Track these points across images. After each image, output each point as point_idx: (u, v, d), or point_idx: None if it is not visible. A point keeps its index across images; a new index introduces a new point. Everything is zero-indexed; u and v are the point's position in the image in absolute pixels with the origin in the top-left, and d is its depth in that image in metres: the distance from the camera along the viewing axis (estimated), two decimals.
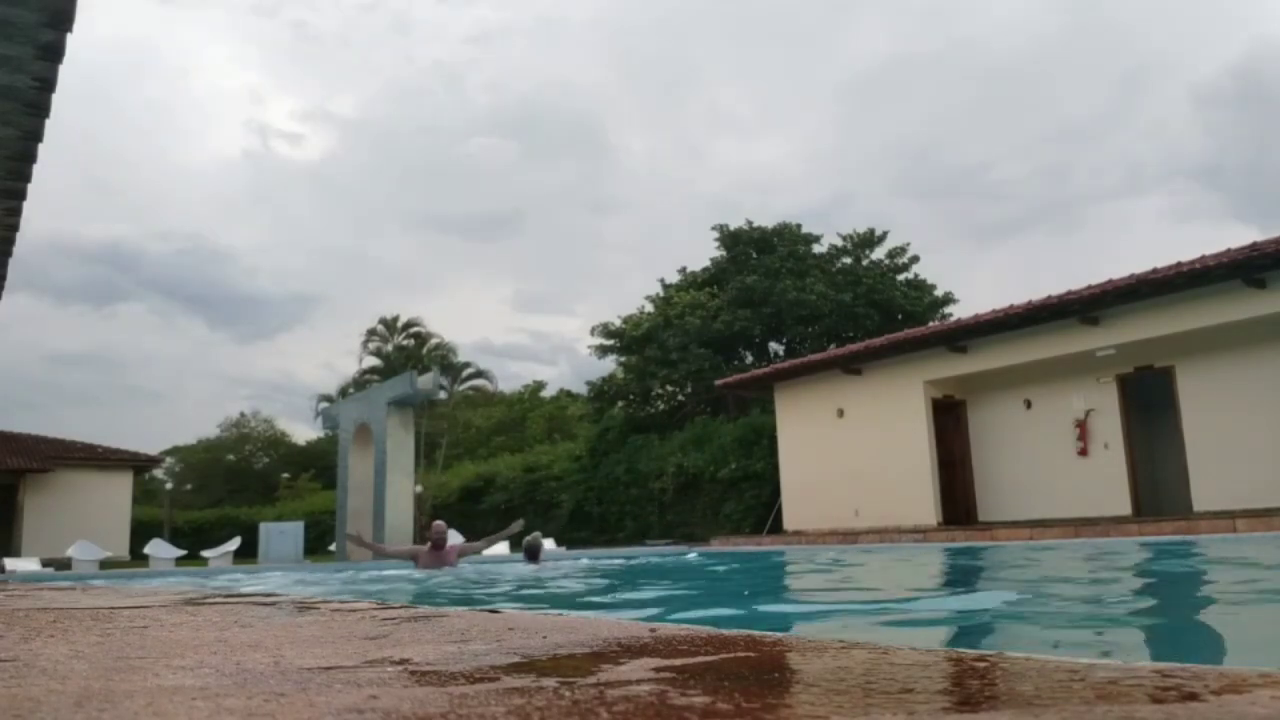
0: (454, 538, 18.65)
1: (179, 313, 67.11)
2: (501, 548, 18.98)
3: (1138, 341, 13.55)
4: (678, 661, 1.52)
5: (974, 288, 54.37)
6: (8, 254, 8.39)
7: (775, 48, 56.21)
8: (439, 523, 10.87)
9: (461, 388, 33.13)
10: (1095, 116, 52.31)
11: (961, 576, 7.62)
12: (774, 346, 28.37)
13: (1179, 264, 12.56)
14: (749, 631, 1.95)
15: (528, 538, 11.53)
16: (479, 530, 20.43)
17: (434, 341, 32.49)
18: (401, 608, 3.08)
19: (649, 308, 28.84)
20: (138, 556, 23.85)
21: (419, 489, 25.16)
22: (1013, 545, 11.23)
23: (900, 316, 26.44)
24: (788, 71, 57.79)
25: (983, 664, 1.42)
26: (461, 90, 60.22)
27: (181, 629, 2.50)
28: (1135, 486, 14.29)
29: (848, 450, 17.38)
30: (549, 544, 20.04)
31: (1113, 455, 14.54)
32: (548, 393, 47.31)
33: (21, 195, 6.99)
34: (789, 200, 58.17)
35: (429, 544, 10.63)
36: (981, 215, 57.86)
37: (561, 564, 11.52)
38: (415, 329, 32.89)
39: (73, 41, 4.88)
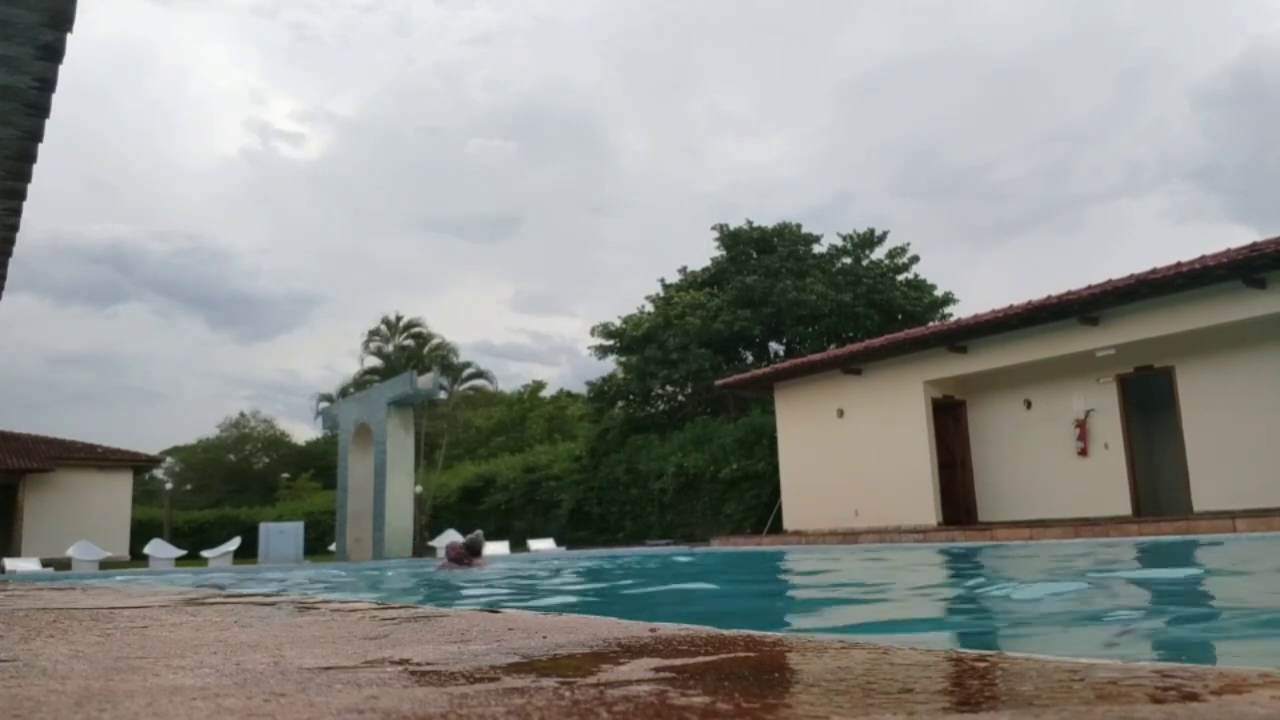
0: (454, 537, 18.71)
1: (179, 313, 67.09)
2: (502, 547, 19.01)
3: (1138, 341, 13.54)
4: (678, 661, 1.52)
5: (974, 288, 54.35)
6: (8, 254, 8.39)
7: (775, 47, 56.24)
8: (453, 543, 12.11)
9: (461, 388, 33.10)
10: (1095, 117, 52.34)
11: (963, 577, 7.61)
12: (774, 346, 28.36)
13: (1179, 264, 12.56)
14: (749, 631, 1.95)
15: (468, 536, 12.01)
16: (479, 529, 20.35)
17: (434, 342, 32.46)
18: (401, 608, 3.08)
19: (649, 308, 28.82)
20: (138, 556, 23.84)
21: (419, 489, 25.15)
22: (1012, 546, 11.22)
23: (900, 317, 26.42)
24: (787, 71, 57.82)
25: (983, 664, 1.42)
26: (461, 90, 60.23)
27: (181, 629, 2.50)
28: (1135, 486, 14.28)
29: (848, 450, 17.37)
30: (548, 544, 20.07)
31: (1113, 455, 14.53)
32: (548, 393, 47.31)
33: (21, 195, 6.99)
34: (789, 200, 58.15)
35: (448, 559, 11.69)
36: (981, 215, 57.88)
37: (505, 564, 11.97)
38: (416, 329, 32.86)
39: (73, 41, 4.88)
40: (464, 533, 19.45)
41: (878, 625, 4.27)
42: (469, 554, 11.67)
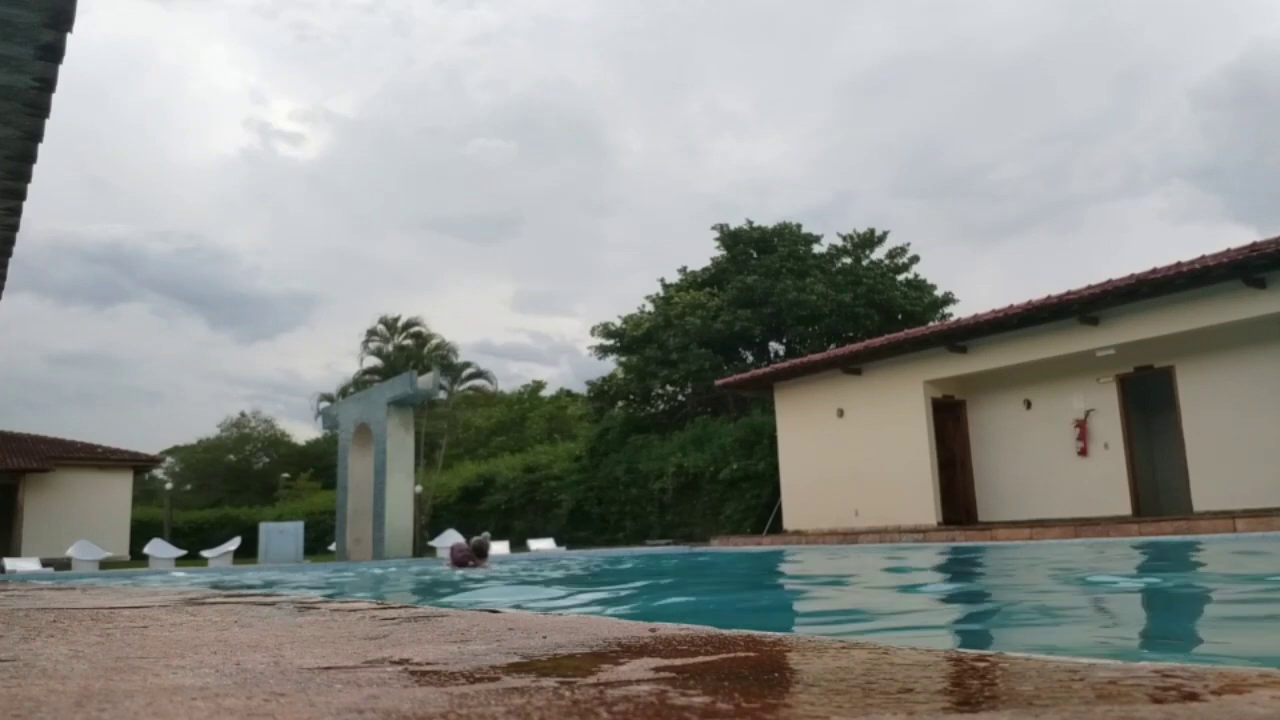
0: (454, 537, 18.73)
1: (180, 313, 67.12)
2: (502, 547, 19.02)
3: (1138, 341, 13.54)
4: (678, 661, 1.52)
5: (974, 288, 54.43)
6: (8, 254, 8.38)
7: (775, 47, 56.23)
8: (459, 544, 12.43)
9: (461, 388, 33.11)
10: (1095, 117, 52.33)
11: (962, 577, 7.62)
12: (774, 346, 28.36)
13: (1179, 264, 12.55)
14: (749, 631, 1.95)
15: (475, 538, 12.08)
16: (479, 529, 20.38)
17: (434, 342, 32.47)
18: (401, 608, 3.08)
19: (649, 308, 28.82)
20: (138, 556, 23.84)
21: (419, 489, 25.15)
22: (1012, 545, 11.22)
23: (900, 316, 26.42)
24: (787, 71, 57.82)
25: (983, 664, 1.42)
26: (461, 90, 60.25)
27: (181, 629, 2.50)
28: (1135, 486, 14.28)
29: (848, 450, 17.37)
30: (548, 544, 20.08)
31: (1113, 455, 14.53)
32: (548, 393, 47.31)
33: (21, 195, 6.99)
34: (789, 200, 58.22)
35: (452, 561, 11.87)
36: (981, 215, 57.88)
37: (507, 565, 12.10)
38: (415, 329, 32.87)
39: (73, 41, 4.87)
40: (464, 533, 19.48)
41: (878, 625, 4.27)
42: (476, 555, 11.76)
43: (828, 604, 5.79)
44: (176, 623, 2.72)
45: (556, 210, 63.27)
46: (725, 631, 1.97)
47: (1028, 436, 15.75)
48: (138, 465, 30.03)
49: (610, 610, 5.31)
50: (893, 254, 28.45)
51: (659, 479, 22.97)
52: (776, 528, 18.81)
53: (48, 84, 5.33)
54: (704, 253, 35.84)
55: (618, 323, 28.42)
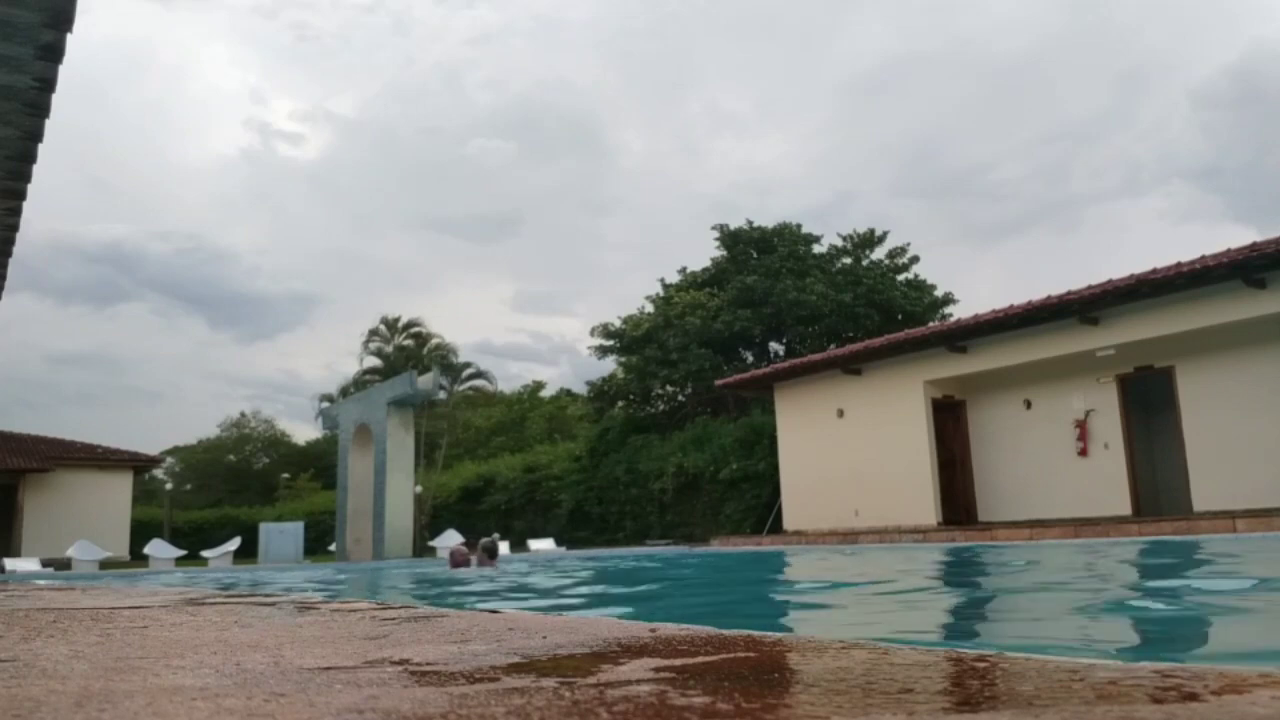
0: (454, 537, 18.72)
1: (180, 313, 67.16)
2: (502, 548, 19.05)
3: (1138, 341, 13.54)
4: (678, 661, 1.52)
5: (974, 288, 54.45)
6: (8, 254, 8.38)
7: (775, 47, 56.24)
8: (459, 546, 12.49)
9: (461, 388, 33.12)
10: (1095, 117, 52.35)
11: (962, 576, 7.62)
12: (774, 346, 28.35)
13: (1179, 264, 12.55)
14: (749, 631, 1.95)
15: (484, 539, 12.14)
16: (479, 529, 20.39)
17: (434, 342, 32.48)
18: (401, 608, 3.08)
19: (649, 308, 28.82)
20: (138, 556, 23.83)
21: (419, 489, 25.15)
22: (1012, 545, 11.22)
23: (900, 316, 26.41)
24: (787, 71, 57.84)
25: (983, 664, 1.42)
26: (461, 90, 60.28)
27: (181, 629, 2.50)
28: (1135, 486, 14.27)
29: (848, 450, 17.37)
30: (548, 544, 20.09)
31: (1113, 455, 14.53)
32: (548, 393, 47.31)
33: (21, 195, 6.98)
34: (789, 200, 58.25)
35: (452, 563, 11.87)
36: (981, 215, 57.90)
37: (508, 565, 12.20)
38: (416, 329, 32.88)
39: (73, 41, 4.87)
40: (464, 533, 19.48)
41: (878, 625, 4.27)
42: (486, 556, 11.81)
43: (828, 604, 5.79)
44: (176, 623, 2.72)
45: (556, 210, 63.35)
46: (725, 632, 1.97)
47: (1028, 436, 15.75)
48: (138, 465, 30.02)
49: (610, 610, 5.32)
50: (893, 254, 28.45)
51: (659, 479, 22.97)
52: (776, 528, 18.81)
53: (48, 84, 5.33)
54: (704, 253, 35.87)
55: (617, 323, 28.41)
